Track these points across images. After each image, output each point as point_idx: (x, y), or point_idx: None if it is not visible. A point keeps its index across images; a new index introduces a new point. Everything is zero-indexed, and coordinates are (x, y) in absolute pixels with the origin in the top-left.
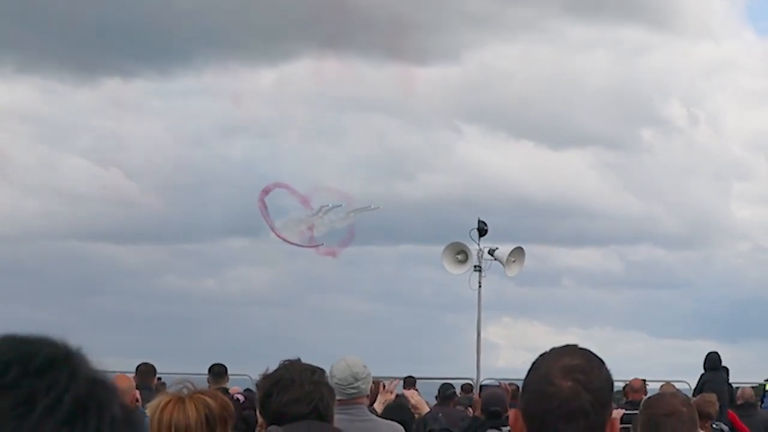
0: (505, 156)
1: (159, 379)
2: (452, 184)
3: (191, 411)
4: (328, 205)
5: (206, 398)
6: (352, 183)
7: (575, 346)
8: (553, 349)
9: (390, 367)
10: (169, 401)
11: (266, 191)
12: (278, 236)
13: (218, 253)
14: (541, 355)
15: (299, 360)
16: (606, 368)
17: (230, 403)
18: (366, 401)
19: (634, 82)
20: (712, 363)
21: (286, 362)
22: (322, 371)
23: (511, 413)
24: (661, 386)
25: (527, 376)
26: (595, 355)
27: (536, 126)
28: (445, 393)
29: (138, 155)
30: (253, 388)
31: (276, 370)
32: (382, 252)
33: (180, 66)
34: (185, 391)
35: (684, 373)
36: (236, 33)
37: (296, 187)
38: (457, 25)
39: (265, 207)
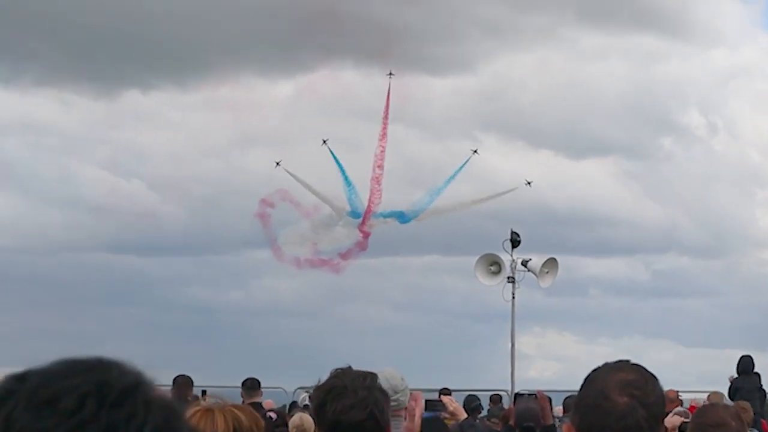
0: (524, 165)
1: (204, 392)
2: (472, 193)
3: (220, 422)
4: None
5: (236, 411)
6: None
7: (628, 361)
8: (607, 364)
9: (419, 377)
10: (198, 411)
11: (267, 203)
12: (275, 255)
13: (243, 264)
14: (594, 370)
15: (350, 367)
16: (659, 384)
17: (260, 418)
18: (404, 414)
19: (651, 90)
20: (745, 366)
21: (337, 370)
22: (374, 376)
23: (564, 427)
24: (708, 396)
25: (581, 390)
26: (648, 371)
27: (554, 135)
28: (471, 405)
29: (158, 167)
30: (286, 401)
31: (328, 379)
32: (408, 262)
33: (197, 78)
34: (216, 403)
35: (713, 381)
36: (253, 44)
37: (306, 196)
38: (471, 35)
39: (266, 219)
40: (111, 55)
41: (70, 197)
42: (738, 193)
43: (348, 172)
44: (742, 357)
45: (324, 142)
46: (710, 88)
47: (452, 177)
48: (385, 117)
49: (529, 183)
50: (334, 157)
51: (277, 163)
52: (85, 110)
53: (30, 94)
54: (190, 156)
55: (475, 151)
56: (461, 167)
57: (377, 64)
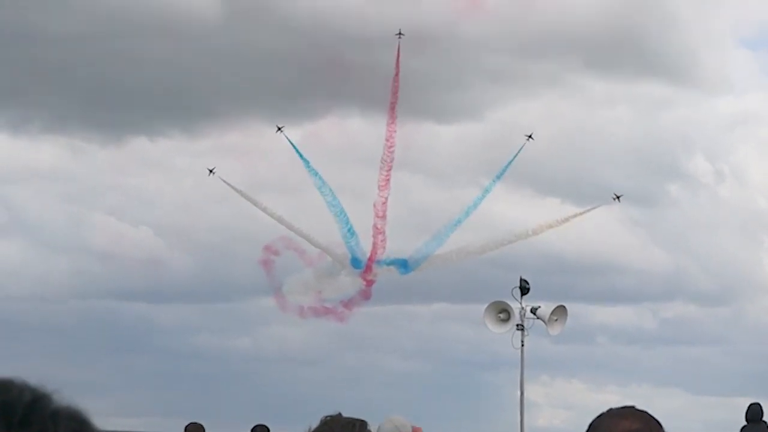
0: (532, 213)
1: None
2: (479, 241)
3: None
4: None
5: None
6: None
7: (633, 407)
8: (611, 411)
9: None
10: None
11: (271, 250)
12: (278, 303)
13: (250, 311)
14: (598, 417)
15: (340, 414)
16: (664, 431)
17: None
18: None
19: (657, 137)
20: (754, 414)
21: (327, 418)
22: (364, 423)
23: None
24: None
25: None
26: (653, 418)
27: (561, 182)
28: None
29: (166, 213)
30: None
31: (317, 427)
32: (415, 311)
33: (205, 125)
34: None
35: (722, 429)
36: (261, 92)
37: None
38: (478, 83)
39: (270, 267)
40: (118, 102)
41: (78, 244)
42: (745, 239)
43: (354, 220)
44: (751, 405)
45: (279, 129)
46: (717, 135)
47: (458, 221)
48: (387, 166)
49: (529, 136)
50: (294, 147)
51: (211, 171)
52: (92, 157)
53: (38, 141)
54: (197, 203)
55: (530, 136)
56: (513, 158)
57: (383, 112)
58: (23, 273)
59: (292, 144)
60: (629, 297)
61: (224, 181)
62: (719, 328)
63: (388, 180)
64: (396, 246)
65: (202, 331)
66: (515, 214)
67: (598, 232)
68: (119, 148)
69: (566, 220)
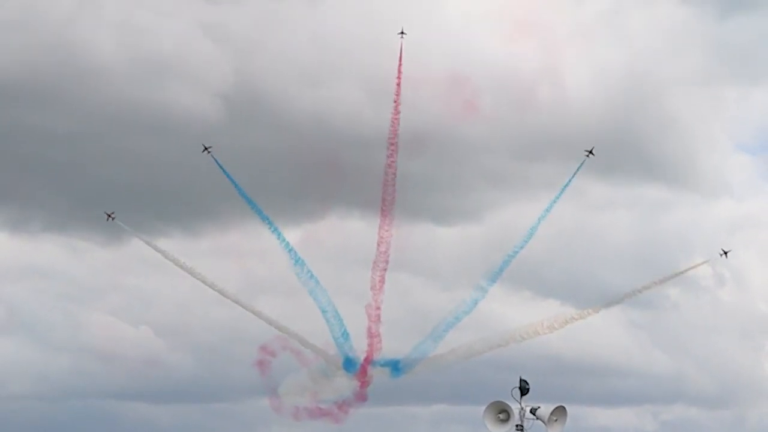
0: (532, 314)
1: None
2: (480, 342)
3: None
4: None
5: None
6: (385, 342)
7: None
8: None
9: None
10: None
11: (268, 351)
12: (273, 406)
13: (249, 412)
14: None
15: None
16: None
17: None
18: None
19: (657, 240)
20: None
21: None
22: None
23: None
24: None
25: None
26: None
27: (561, 285)
28: None
29: (166, 313)
30: None
31: None
32: (414, 412)
33: (205, 225)
34: None
35: None
36: (260, 193)
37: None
38: (478, 185)
39: (265, 368)
40: (119, 201)
41: (78, 344)
42: (745, 343)
43: (351, 321)
44: None
45: (206, 149)
46: (717, 239)
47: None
48: (381, 268)
49: (590, 152)
50: (291, 250)
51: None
52: (93, 256)
53: (38, 239)
54: (197, 303)
55: (590, 152)
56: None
57: (382, 214)
58: (23, 371)
59: (288, 245)
60: (630, 399)
61: (215, 289)
62: (721, 431)
63: (383, 282)
64: (394, 347)
65: None
66: (515, 315)
67: (599, 334)
68: (120, 248)
69: (567, 321)
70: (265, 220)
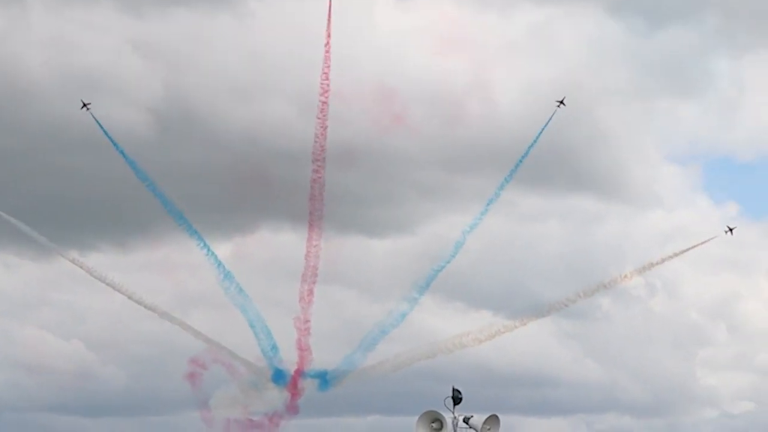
0: (463, 326)
1: None
2: (408, 353)
3: None
4: None
5: None
6: (315, 354)
7: None
8: None
9: None
10: None
11: (198, 363)
12: (204, 419)
13: (182, 424)
14: None
15: None
16: None
17: None
18: None
19: (589, 251)
20: None
21: None
22: None
23: None
24: None
25: None
26: None
27: (493, 295)
28: None
29: (98, 327)
30: None
31: None
32: (349, 424)
33: (136, 239)
34: None
35: None
36: (191, 207)
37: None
38: (409, 198)
39: (196, 380)
40: (49, 217)
41: (11, 358)
42: (677, 352)
43: (280, 334)
44: None
45: (84, 105)
46: (648, 249)
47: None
48: (310, 280)
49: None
50: (101, 126)
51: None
52: (24, 272)
53: None
54: (128, 317)
55: (561, 102)
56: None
57: (310, 227)
58: None
59: (217, 259)
60: (563, 409)
61: (142, 304)
62: None
63: (311, 294)
64: (325, 359)
65: None
66: (447, 326)
67: (531, 345)
68: (50, 263)
69: (498, 332)
70: (194, 234)
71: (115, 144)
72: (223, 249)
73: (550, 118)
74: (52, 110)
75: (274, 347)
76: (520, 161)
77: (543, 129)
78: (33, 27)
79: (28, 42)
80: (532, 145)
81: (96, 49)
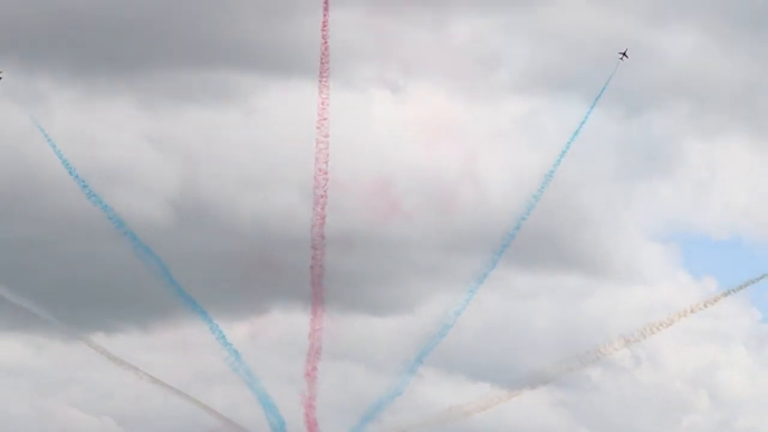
0: (464, 396)
1: None
2: (416, 424)
3: None
4: None
5: None
6: (323, 425)
7: None
8: None
9: None
10: None
11: None
12: None
13: None
14: None
15: None
16: None
17: None
18: None
19: (578, 325)
20: None
21: None
22: None
23: None
24: None
25: None
26: None
27: (491, 368)
28: None
29: (126, 405)
30: None
31: None
32: None
33: (158, 321)
34: None
35: None
36: (209, 290)
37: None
38: (409, 278)
39: None
40: (78, 302)
41: None
42: (663, 419)
43: (290, 408)
44: None
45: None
46: (633, 323)
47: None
48: (315, 357)
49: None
50: (44, 134)
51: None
52: (55, 352)
53: (2, 338)
54: (154, 394)
55: (624, 54)
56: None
57: (313, 307)
58: None
59: (226, 341)
60: None
61: (157, 383)
62: None
63: (315, 370)
64: (332, 430)
65: None
66: (448, 397)
67: (527, 415)
68: (79, 344)
69: (495, 401)
70: (203, 315)
71: (133, 237)
72: (240, 330)
73: (572, 140)
74: (77, 203)
75: (281, 422)
76: (507, 244)
77: (528, 212)
78: (55, 123)
79: (51, 137)
80: (517, 226)
81: (115, 144)
